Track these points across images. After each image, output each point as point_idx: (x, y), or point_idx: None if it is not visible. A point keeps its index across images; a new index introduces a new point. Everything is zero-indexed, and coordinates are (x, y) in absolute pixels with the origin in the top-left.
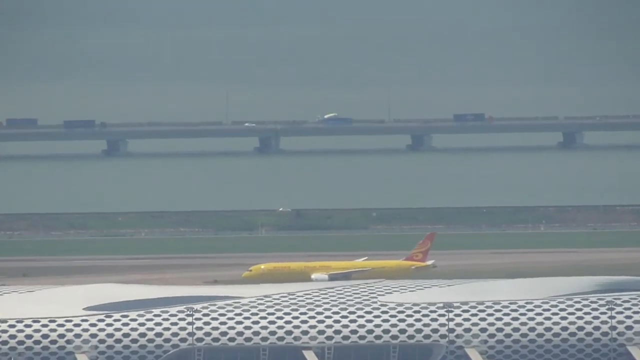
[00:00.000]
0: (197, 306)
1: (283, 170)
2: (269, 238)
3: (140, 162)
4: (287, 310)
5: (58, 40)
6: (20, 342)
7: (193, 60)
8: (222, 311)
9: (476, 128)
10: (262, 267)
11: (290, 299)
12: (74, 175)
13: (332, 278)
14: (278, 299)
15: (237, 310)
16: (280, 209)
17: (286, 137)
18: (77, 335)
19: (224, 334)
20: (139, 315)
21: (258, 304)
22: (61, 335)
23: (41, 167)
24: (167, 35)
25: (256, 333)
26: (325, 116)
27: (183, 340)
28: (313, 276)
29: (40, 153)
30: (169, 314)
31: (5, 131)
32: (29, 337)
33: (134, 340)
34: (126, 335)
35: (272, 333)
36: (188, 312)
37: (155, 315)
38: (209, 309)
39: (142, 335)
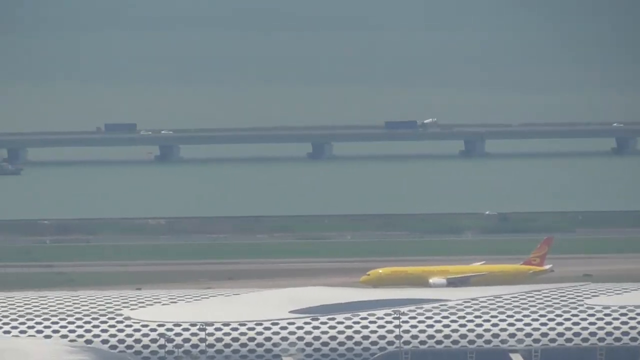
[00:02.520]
0: (404, 309)
1: (488, 173)
2: (475, 242)
3: (344, 165)
4: (493, 313)
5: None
6: (227, 345)
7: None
8: (429, 314)
9: None
10: (380, 271)
11: (497, 301)
12: (279, 177)
13: (450, 282)
14: (485, 302)
15: (444, 313)
16: (487, 212)
17: (490, 140)
18: (284, 338)
19: (431, 337)
20: (346, 318)
21: (465, 307)
22: (268, 338)
23: (245, 169)
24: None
25: (463, 336)
26: (425, 121)
27: (390, 343)
28: (431, 280)
29: (250, 156)
30: (375, 316)
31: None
32: (235, 340)
33: (341, 343)
34: (333, 338)
35: (479, 336)
36: (395, 315)
37: (362, 318)
38: (416, 312)
39: (349, 338)
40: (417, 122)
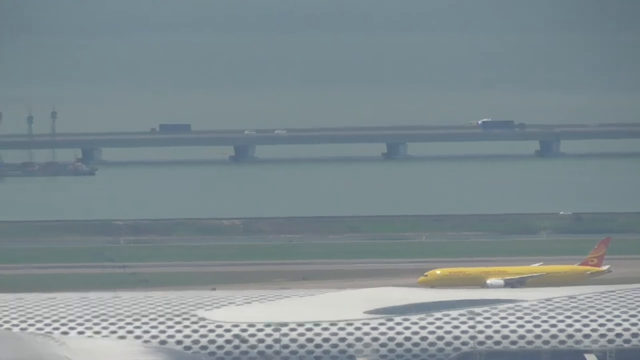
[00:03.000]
0: (479, 309)
1: (563, 173)
2: (549, 242)
3: (420, 165)
4: (568, 313)
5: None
6: (302, 346)
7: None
8: (503, 314)
9: None
10: (438, 272)
11: (572, 302)
12: (353, 178)
13: (508, 283)
14: (559, 302)
15: (519, 314)
16: (561, 213)
17: (565, 140)
18: (358, 339)
19: (505, 337)
20: (420, 319)
21: (540, 307)
22: (342, 339)
23: (319, 169)
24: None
25: (537, 336)
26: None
27: (465, 343)
28: (488, 281)
29: (325, 156)
30: (450, 317)
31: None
32: (310, 340)
33: (415, 344)
34: (407, 338)
35: (554, 336)
36: (469, 316)
37: (437, 319)
38: (491, 312)
39: (424, 338)
40: (513, 122)
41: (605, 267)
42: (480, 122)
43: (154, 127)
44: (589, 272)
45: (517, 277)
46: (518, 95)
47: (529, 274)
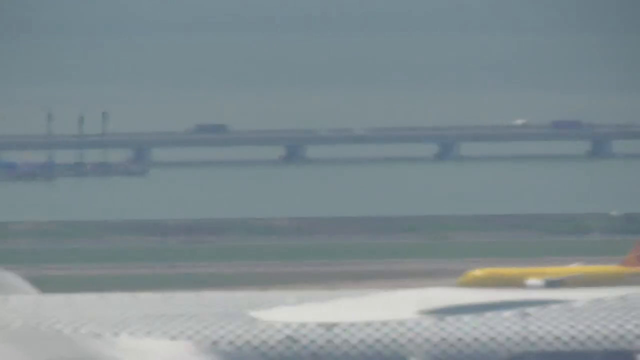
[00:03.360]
0: (531, 310)
1: (614, 173)
2: (599, 242)
3: (471, 166)
4: (620, 313)
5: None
6: (353, 346)
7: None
8: (555, 315)
9: None
10: (477, 272)
11: (623, 302)
12: (404, 178)
13: (548, 284)
14: (611, 303)
15: (570, 314)
16: (613, 213)
17: (619, 140)
18: (410, 340)
19: (557, 338)
20: (472, 319)
21: (591, 308)
22: (394, 339)
23: (370, 170)
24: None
25: (590, 337)
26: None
27: (517, 344)
28: (528, 282)
29: (376, 156)
30: (502, 317)
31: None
32: (361, 341)
33: (467, 345)
34: (459, 339)
35: (606, 337)
36: (522, 316)
37: (489, 319)
38: (543, 313)
39: (476, 339)
40: (581, 121)
41: None
42: (552, 122)
43: (189, 128)
44: (628, 273)
45: (557, 277)
46: (572, 95)
47: (568, 274)
